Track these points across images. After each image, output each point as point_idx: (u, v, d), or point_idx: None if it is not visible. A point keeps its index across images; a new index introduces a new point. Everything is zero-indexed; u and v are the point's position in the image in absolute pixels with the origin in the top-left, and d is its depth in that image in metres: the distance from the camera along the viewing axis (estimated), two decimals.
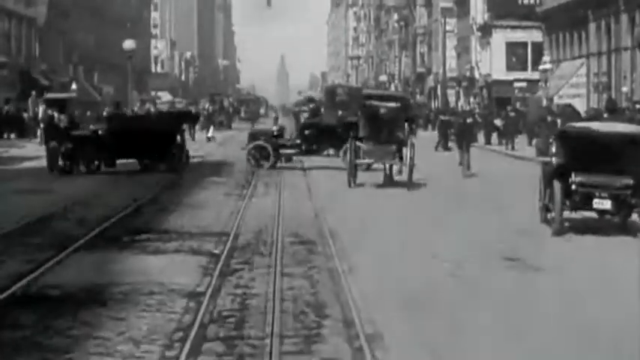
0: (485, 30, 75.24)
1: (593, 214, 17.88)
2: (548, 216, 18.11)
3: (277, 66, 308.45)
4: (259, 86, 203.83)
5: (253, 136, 34.04)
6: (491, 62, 74.07)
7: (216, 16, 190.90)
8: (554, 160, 17.98)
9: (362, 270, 13.47)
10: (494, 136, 48.29)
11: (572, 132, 18.38)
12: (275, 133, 34.28)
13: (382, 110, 26.79)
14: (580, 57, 55.71)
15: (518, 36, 72.39)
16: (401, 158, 26.42)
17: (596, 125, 19.27)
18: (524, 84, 69.36)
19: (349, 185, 25.97)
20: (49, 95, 32.49)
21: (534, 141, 39.85)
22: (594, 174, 17.36)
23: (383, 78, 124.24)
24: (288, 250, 15.13)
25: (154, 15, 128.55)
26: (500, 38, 73.35)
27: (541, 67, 51.59)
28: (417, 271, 13.66)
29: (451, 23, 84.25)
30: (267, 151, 32.77)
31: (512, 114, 47.89)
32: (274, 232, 17.05)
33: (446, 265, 13.97)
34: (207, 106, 70.79)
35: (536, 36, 67.63)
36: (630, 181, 17.22)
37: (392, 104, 27.52)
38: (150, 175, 29.29)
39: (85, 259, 14.40)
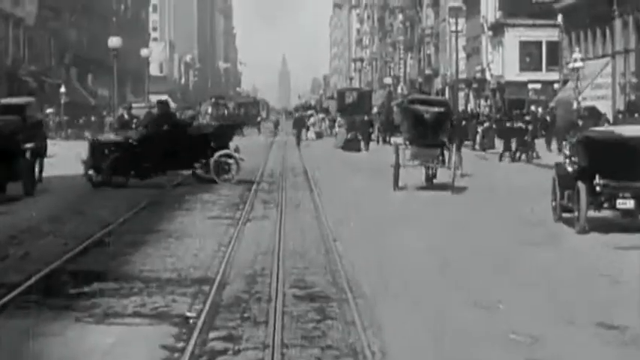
0: (497, 29, 71.97)
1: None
2: (563, 215, 18.56)
3: (279, 68, 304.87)
4: (261, 89, 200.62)
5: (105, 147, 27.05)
6: (503, 63, 70.70)
7: (216, 18, 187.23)
8: (567, 162, 18.60)
9: (399, 354, 9.18)
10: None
11: (595, 136, 18.94)
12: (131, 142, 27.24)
13: (427, 115, 26.51)
14: (604, 56, 52.09)
15: (533, 35, 69.80)
16: (444, 162, 26.74)
17: (619, 129, 20.00)
18: (538, 85, 66.65)
19: (394, 189, 25.94)
20: (3, 101, 27.89)
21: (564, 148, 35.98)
22: (617, 176, 17.55)
23: (387, 80, 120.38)
24: (291, 311, 10.80)
25: (154, 17, 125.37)
26: (513, 37, 70.59)
27: (570, 65, 47.42)
28: (478, 353, 9.39)
29: (460, 23, 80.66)
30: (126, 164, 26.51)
31: (526, 117, 44.19)
32: (273, 279, 12.70)
33: (519, 339, 9.71)
34: (209, 110, 67.74)
35: (551, 35, 64.44)
36: None
37: (436, 109, 27.35)
38: (124, 192, 25.07)
39: None
